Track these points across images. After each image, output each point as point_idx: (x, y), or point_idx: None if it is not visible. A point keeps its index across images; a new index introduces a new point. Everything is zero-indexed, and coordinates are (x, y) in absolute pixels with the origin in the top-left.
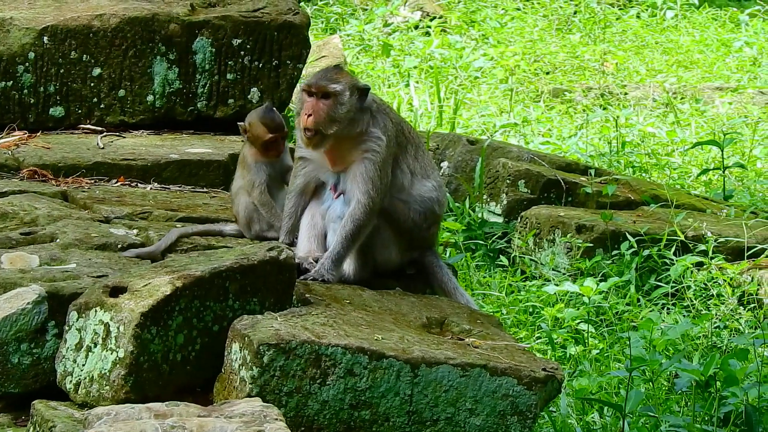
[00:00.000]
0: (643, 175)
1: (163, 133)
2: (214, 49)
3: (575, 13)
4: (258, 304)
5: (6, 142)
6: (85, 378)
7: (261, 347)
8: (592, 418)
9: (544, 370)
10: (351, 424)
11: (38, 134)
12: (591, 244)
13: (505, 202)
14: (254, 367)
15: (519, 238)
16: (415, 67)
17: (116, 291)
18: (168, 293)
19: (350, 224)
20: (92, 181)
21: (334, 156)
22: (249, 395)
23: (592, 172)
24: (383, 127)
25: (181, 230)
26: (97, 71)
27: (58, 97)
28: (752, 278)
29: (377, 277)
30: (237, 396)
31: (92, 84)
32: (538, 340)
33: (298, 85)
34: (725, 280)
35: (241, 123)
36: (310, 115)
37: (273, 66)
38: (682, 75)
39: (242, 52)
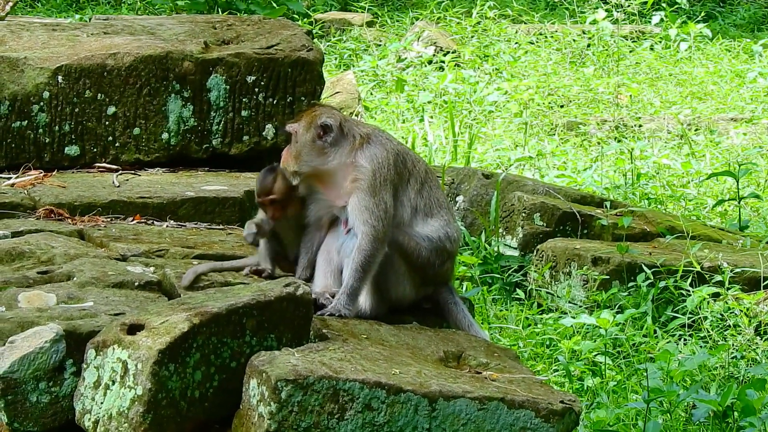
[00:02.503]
0: (659, 206)
1: (179, 170)
2: (228, 87)
3: (588, 46)
4: (275, 340)
5: (22, 182)
6: (104, 416)
7: (279, 383)
8: None
9: (561, 402)
10: None
11: (54, 173)
12: (607, 277)
13: (520, 235)
14: (272, 403)
15: (535, 271)
16: (429, 102)
17: (134, 329)
18: (185, 330)
19: (358, 256)
20: (108, 219)
21: (330, 190)
22: (267, 431)
23: (608, 204)
24: (371, 155)
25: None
26: (111, 110)
27: (73, 136)
28: None
29: (393, 312)
30: None
31: (107, 122)
32: (556, 373)
33: None
34: (741, 311)
35: None
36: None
37: (287, 102)
38: (696, 106)
39: (256, 89)
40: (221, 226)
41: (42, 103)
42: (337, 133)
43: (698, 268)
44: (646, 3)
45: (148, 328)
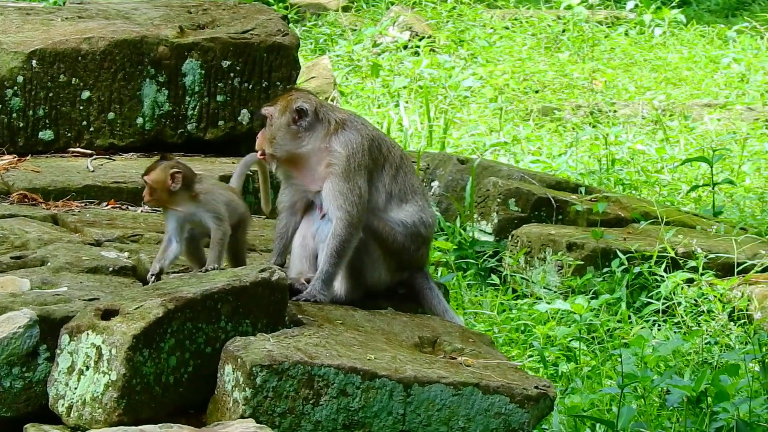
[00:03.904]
0: (633, 192)
1: (153, 155)
2: (203, 71)
3: (563, 31)
4: (250, 326)
5: None
6: (78, 401)
7: (254, 368)
8: None
9: (536, 387)
10: None
11: (28, 158)
12: (582, 262)
13: (495, 220)
14: (247, 389)
15: (510, 257)
16: (404, 87)
17: (108, 314)
18: (160, 316)
19: (333, 241)
20: (82, 204)
21: (304, 175)
22: (242, 416)
23: (583, 190)
24: (345, 140)
25: None
26: (86, 94)
27: (47, 121)
28: (742, 294)
29: (369, 297)
30: (230, 417)
31: (81, 107)
32: (530, 358)
33: None
34: (715, 296)
35: None
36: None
37: (263, 87)
38: (670, 92)
39: (232, 74)
40: None
41: (16, 88)
42: (313, 117)
43: (672, 254)
44: None
45: (123, 314)
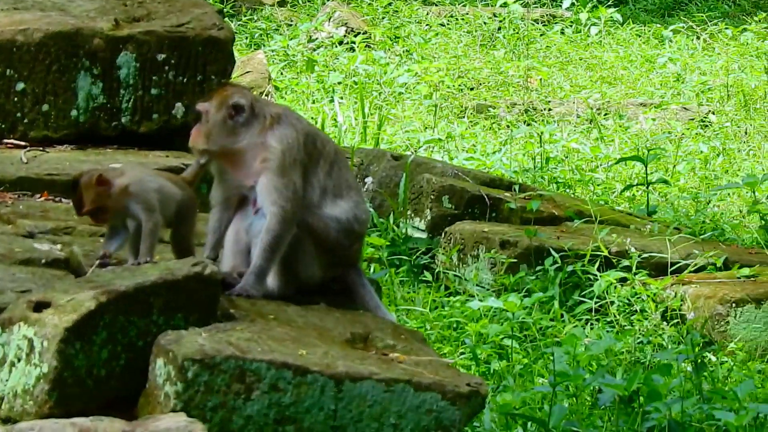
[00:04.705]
0: (567, 190)
1: (87, 148)
2: (138, 64)
3: (499, 29)
4: (182, 320)
5: None
6: (9, 393)
7: (185, 362)
8: None
9: (468, 385)
10: None
11: None
12: (515, 260)
13: (429, 217)
14: (178, 383)
15: (443, 254)
16: (339, 83)
17: (40, 306)
18: (92, 308)
19: (266, 236)
20: (15, 196)
21: (239, 170)
22: (173, 410)
23: (517, 187)
24: (281, 136)
25: None
26: (20, 86)
27: None
28: (675, 294)
29: (301, 293)
30: (161, 411)
31: (15, 99)
32: (462, 356)
33: None
34: (649, 296)
35: None
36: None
37: (198, 81)
38: (606, 91)
39: (167, 67)
40: None
41: None
42: (249, 113)
43: (606, 253)
44: None
45: (55, 306)
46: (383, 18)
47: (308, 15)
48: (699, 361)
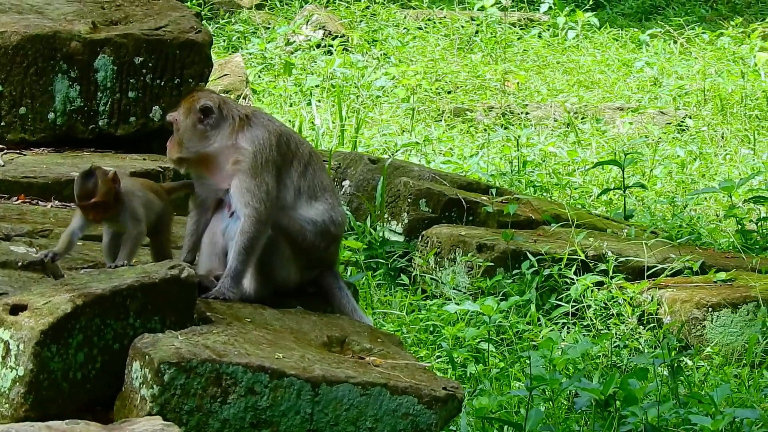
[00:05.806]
0: (544, 194)
1: (64, 151)
2: (115, 67)
3: (477, 32)
4: (159, 323)
5: None
6: None
7: (162, 366)
8: None
9: (444, 389)
10: None
11: None
12: (492, 264)
13: (406, 221)
14: (155, 386)
15: (420, 257)
16: (317, 86)
17: (16, 309)
18: (68, 311)
19: (241, 238)
20: None
21: (213, 173)
22: (150, 414)
23: (494, 191)
24: (252, 137)
25: None
26: None
27: None
28: (652, 298)
29: (278, 296)
30: (138, 414)
31: None
32: (439, 359)
33: None
34: (625, 300)
35: None
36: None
37: (175, 84)
38: (583, 95)
39: (144, 70)
40: None
41: None
42: (218, 114)
43: (582, 257)
44: None
45: (31, 309)
46: (361, 21)
47: (286, 18)
48: (675, 365)
